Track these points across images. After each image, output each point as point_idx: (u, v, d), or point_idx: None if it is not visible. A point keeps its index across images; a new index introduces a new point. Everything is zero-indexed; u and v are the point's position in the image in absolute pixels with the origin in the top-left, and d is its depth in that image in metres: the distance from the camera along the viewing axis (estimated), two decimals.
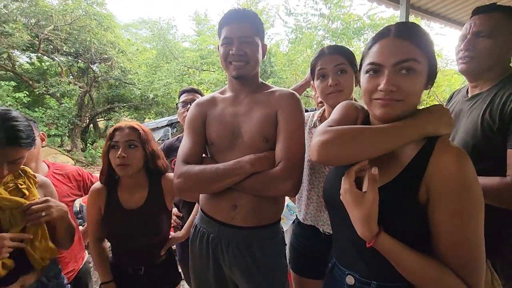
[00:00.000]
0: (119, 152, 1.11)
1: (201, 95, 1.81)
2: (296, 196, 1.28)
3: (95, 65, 11.82)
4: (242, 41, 1.02)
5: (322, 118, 1.25)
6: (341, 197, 0.70)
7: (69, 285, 1.19)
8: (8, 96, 8.95)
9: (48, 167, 1.39)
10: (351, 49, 1.77)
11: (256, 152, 1.00)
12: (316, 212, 1.21)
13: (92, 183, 1.57)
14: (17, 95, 9.06)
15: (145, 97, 12.02)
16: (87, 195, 1.46)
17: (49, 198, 1.00)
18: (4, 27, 8.85)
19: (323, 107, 1.27)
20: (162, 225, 1.24)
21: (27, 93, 9.57)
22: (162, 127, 2.58)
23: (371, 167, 0.65)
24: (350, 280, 0.75)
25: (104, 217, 1.19)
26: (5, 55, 9.68)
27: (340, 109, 0.85)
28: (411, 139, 0.67)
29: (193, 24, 16.56)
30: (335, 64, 1.11)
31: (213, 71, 11.18)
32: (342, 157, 0.69)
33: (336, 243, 0.85)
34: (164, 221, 1.26)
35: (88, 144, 11.81)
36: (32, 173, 1.05)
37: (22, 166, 0.98)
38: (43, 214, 0.95)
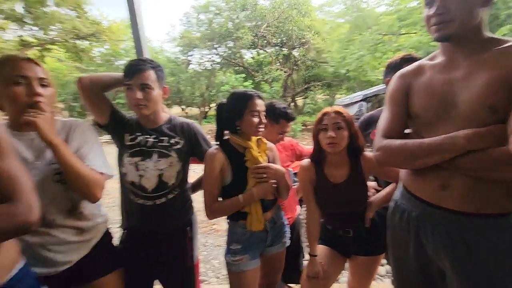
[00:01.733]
0: (328, 133, 1.29)
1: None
2: None
3: (295, 50, 13.50)
4: None
5: None
6: None
7: (288, 227, 1.57)
8: (240, 86, 12.32)
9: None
10: None
11: (478, 126, 0.83)
12: None
13: (300, 151, 1.94)
14: (245, 84, 12.21)
15: (337, 73, 12.38)
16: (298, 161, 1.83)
17: (268, 164, 1.32)
18: (238, 33, 12.01)
19: None
20: (362, 197, 1.37)
21: (251, 81, 12.65)
22: (356, 102, 2.61)
23: None
24: None
25: (316, 189, 1.44)
26: (238, 55, 13.21)
27: None
28: None
29: None
30: None
31: (414, 33, 9.49)
32: None
33: None
34: (364, 193, 1.37)
35: None
36: (265, 141, 1.43)
37: (261, 138, 1.40)
38: (264, 175, 1.29)
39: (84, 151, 1.08)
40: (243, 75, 13.30)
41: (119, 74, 1.28)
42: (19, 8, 8.95)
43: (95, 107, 1.27)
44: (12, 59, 0.99)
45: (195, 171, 1.44)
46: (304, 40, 12.62)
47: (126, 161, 1.26)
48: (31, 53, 10.45)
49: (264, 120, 1.31)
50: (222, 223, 3.91)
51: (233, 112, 1.29)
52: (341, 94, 14.62)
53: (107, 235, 1.24)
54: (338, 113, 1.32)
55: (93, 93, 1.24)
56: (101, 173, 1.06)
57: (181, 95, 14.44)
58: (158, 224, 1.30)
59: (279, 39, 13.38)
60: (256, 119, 1.27)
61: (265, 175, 1.28)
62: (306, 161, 1.44)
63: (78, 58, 11.01)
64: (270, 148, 1.43)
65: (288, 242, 1.48)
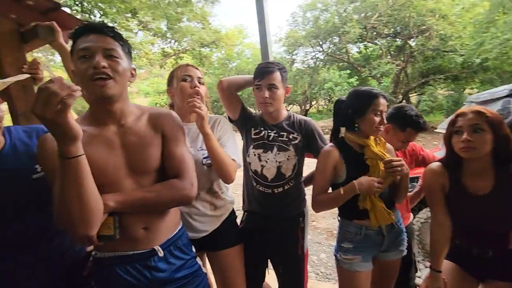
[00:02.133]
0: (463, 137, 1.12)
1: None
2: None
3: (412, 39, 11.81)
4: None
5: None
6: None
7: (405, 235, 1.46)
8: (344, 82, 11.74)
9: None
10: None
11: None
12: None
13: (422, 157, 1.75)
14: (350, 80, 11.57)
15: (468, 63, 10.14)
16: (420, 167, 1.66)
17: (401, 159, 1.25)
18: (344, 27, 11.45)
19: None
20: (511, 214, 1.14)
21: (356, 77, 11.87)
22: (499, 98, 2.10)
23: None
24: None
25: (448, 199, 1.25)
26: (344, 50, 12.60)
27: None
28: None
29: None
30: None
31: None
32: None
33: None
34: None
35: None
36: (383, 140, 1.36)
37: (379, 136, 1.33)
38: (399, 169, 1.21)
39: (223, 141, 1.33)
40: (348, 71, 12.60)
41: (249, 76, 1.50)
42: (163, 26, 11.31)
43: (229, 104, 1.50)
44: (182, 65, 1.34)
45: (308, 166, 1.53)
46: (424, 27, 10.86)
47: (251, 152, 1.47)
48: (169, 61, 13.02)
49: (384, 121, 1.28)
50: (321, 220, 3.92)
51: (355, 110, 1.30)
52: (471, 88, 11.91)
53: (233, 214, 1.47)
54: (478, 113, 1.13)
55: (229, 92, 1.47)
56: (233, 160, 1.28)
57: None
58: (275, 210, 1.46)
59: (392, 29, 11.99)
60: (377, 118, 1.26)
61: (399, 169, 1.21)
62: (436, 165, 1.29)
63: (201, 63, 13.01)
64: (388, 149, 1.38)
65: (405, 251, 1.39)
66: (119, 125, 0.93)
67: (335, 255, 1.39)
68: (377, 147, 1.31)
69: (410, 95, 13.90)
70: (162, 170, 0.98)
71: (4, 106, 1.28)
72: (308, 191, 1.53)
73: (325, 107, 16.93)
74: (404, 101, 13.85)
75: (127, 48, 0.92)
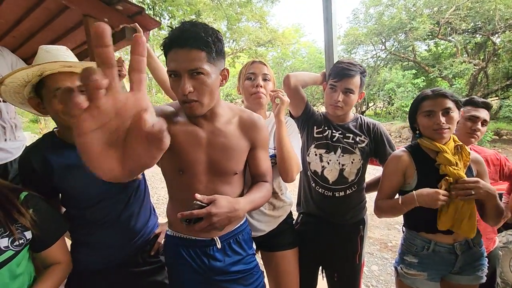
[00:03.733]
0: None
1: None
2: None
3: (496, 35, 10.23)
4: None
5: None
6: None
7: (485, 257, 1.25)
8: (408, 83, 10.74)
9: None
10: None
11: None
12: None
13: (510, 170, 1.51)
14: (415, 81, 10.56)
15: None
16: None
17: (479, 179, 1.10)
18: (412, 24, 10.47)
19: None
20: None
21: (423, 78, 10.77)
22: None
23: None
24: None
25: None
26: (410, 48, 11.54)
27: None
28: None
29: None
30: None
31: None
32: None
33: None
34: None
35: None
36: (468, 150, 1.18)
37: (463, 145, 1.17)
38: (472, 192, 1.07)
39: (289, 139, 1.32)
40: (413, 71, 11.49)
41: (316, 74, 1.46)
42: (223, 26, 11.81)
43: (294, 100, 1.43)
44: (248, 62, 1.35)
45: (369, 172, 1.44)
46: None
47: (312, 151, 1.41)
48: (227, 60, 13.53)
49: (442, 121, 1.13)
50: (374, 230, 3.68)
51: (410, 115, 1.26)
52: None
53: (290, 216, 1.45)
54: None
55: (295, 88, 1.42)
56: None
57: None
58: (334, 214, 1.40)
59: (472, 24, 10.55)
60: (427, 120, 1.17)
61: (473, 192, 1.08)
62: None
63: None
64: (475, 160, 1.20)
65: (484, 278, 1.21)
66: (210, 125, 0.97)
67: (395, 267, 1.28)
68: (456, 155, 1.16)
69: (489, 99, 12.11)
70: (241, 175, 1.04)
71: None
72: (369, 197, 1.45)
73: (384, 109, 15.76)
74: None
75: (216, 49, 0.85)
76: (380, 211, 1.25)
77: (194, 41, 0.80)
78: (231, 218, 0.84)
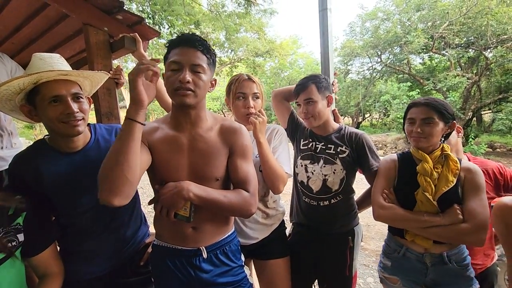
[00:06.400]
0: None
1: None
2: None
3: (488, 50, 10.48)
4: None
5: None
6: None
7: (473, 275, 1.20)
8: (404, 95, 10.90)
9: (469, 159, 1.42)
10: None
11: None
12: None
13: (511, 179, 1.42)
14: (410, 93, 10.71)
15: None
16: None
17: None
18: (407, 37, 10.70)
19: None
20: None
21: (418, 90, 10.93)
22: None
23: None
24: None
25: None
26: (405, 61, 11.75)
27: None
28: None
29: None
30: None
31: None
32: None
33: None
34: None
35: (470, 139, 11.02)
36: (455, 159, 1.15)
37: (450, 155, 1.15)
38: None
39: (278, 150, 1.34)
40: (408, 83, 11.67)
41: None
42: (221, 36, 11.97)
43: (278, 112, 1.57)
44: (239, 78, 1.34)
45: (361, 182, 1.45)
46: (505, 36, 9.57)
47: (299, 163, 1.46)
48: (224, 69, 13.68)
49: (419, 130, 1.16)
50: (369, 241, 3.66)
51: (403, 121, 1.30)
52: None
53: (282, 225, 1.46)
54: None
55: (277, 100, 1.56)
56: (286, 172, 1.27)
57: (335, 104, 14.47)
58: (320, 224, 1.42)
59: (464, 39, 10.81)
60: (408, 127, 1.22)
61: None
62: None
63: (254, 72, 13.40)
64: (466, 169, 1.16)
65: None
66: (192, 131, 1.01)
67: (378, 270, 1.35)
68: (439, 164, 1.16)
69: (482, 112, 12.30)
70: (222, 181, 1.04)
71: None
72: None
73: (380, 120, 15.93)
74: (474, 118, 12.31)
75: (213, 59, 1.00)
76: (374, 207, 1.27)
77: (200, 45, 0.94)
78: (174, 195, 0.89)
